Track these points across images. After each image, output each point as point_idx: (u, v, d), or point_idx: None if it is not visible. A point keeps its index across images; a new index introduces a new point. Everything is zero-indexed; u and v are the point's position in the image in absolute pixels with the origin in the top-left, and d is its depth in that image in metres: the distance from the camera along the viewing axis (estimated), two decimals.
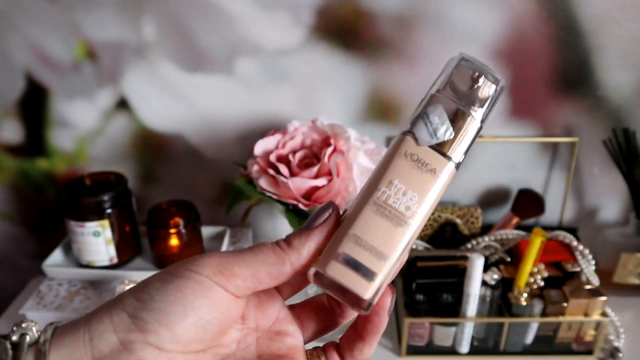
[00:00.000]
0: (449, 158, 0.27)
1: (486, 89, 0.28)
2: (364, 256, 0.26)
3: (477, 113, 0.28)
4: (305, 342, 0.29)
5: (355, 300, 0.26)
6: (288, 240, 0.27)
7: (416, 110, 0.28)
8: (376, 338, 0.27)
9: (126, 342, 0.24)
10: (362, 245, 0.26)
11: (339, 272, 0.26)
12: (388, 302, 0.27)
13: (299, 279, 0.28)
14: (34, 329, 0.25)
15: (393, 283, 0.28)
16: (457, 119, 0.27)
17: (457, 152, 0.27)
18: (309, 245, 0.26)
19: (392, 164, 0.27)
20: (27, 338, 0.25)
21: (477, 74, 0.28)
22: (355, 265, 0.26)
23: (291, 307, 0.30)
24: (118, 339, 0.24)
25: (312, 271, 0.26)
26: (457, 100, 0.28)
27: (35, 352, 0.24)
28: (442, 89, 0.28)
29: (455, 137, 0.27)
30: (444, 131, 0.27)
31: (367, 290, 0.26)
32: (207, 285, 0.25)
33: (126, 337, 0.24)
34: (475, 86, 0.28)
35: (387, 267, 0.26)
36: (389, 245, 0.26)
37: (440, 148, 0.27)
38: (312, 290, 0.63)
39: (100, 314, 0.25)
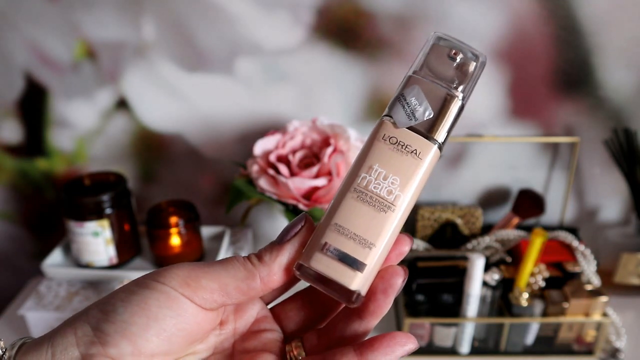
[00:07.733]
0: (430, 139, 0.26)
1: (465, 66, 0.27)
2: (347, 245, 0.25)
3: (457, 91, 0.26)
4: (292, 335, 0.28)
5: (343, 292, 0.25)
6: (259, 254, 0.26)
7: (395, 93, 0.27)
8: (375, 320, 0.26)
9: (87, 356, 0.23)
10: (345, 234, 0.25)
11: (323, 264, 0.25)
12: (399, 282, 0.25)
13: (278, 289, 0.27)
14: None
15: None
16: (436, 98, 0.26)
17: (438, 132, 0.26)
18: (279, 260, 0.26)
19: (371, 149, 0.26)
20: None
21: (454, 51, 0.27)
22: (339, 255, 0.25)
23: (276, 304, 0.29)
24: (80, 353, 0.24)
25: (296, 265, 0.26)
26: (436, 79, 0.27)
27: None
28: (419, 69, 0.27)
29: (435, 116, 0.26)
30: (423, 111, 0.26)
31: (353, 280, 0.25)
32: (172, 297, 0.24)
33: (87, 351, 0.23)
34: (454, 64, 0.27)
35: (374, 255, 0.25)
36: (373, 232, 0.25)
37: (420, 129, 0.26)
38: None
39: (64, 328, 0.24)
